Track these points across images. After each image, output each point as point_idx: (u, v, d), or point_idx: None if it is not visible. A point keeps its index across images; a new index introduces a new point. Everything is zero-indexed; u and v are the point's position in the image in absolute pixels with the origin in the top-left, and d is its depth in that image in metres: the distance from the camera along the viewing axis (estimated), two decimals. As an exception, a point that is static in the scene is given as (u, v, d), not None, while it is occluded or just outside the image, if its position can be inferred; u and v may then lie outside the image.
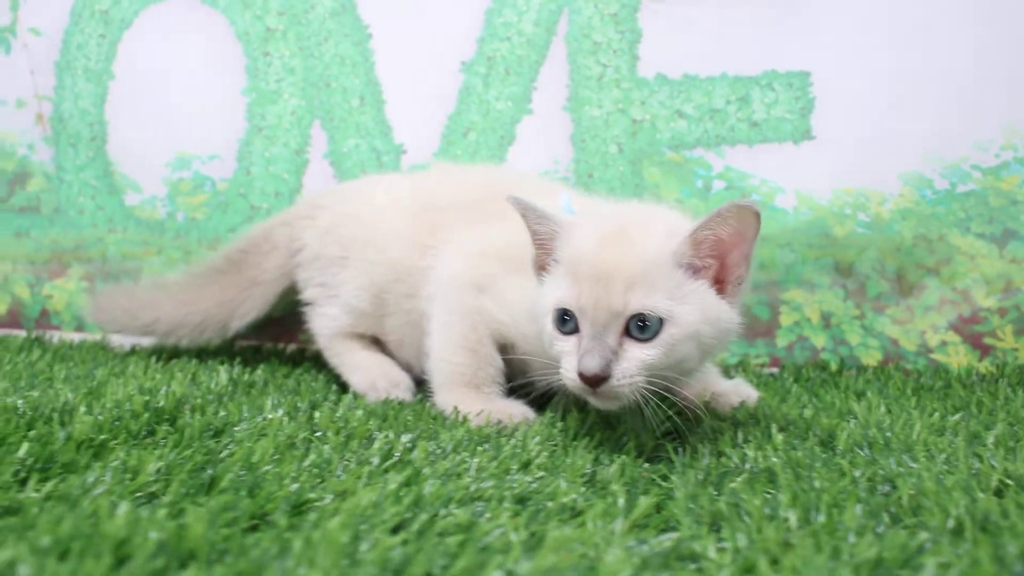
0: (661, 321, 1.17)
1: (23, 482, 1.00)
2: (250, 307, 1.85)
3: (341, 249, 1.71)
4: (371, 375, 1.64)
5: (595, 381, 1.16)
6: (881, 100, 1.89)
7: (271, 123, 2.15)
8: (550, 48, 2.02)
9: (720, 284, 1.24)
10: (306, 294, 1.80)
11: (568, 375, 1.20)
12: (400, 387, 1.62)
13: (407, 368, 1.68)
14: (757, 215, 1.20)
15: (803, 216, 1.92)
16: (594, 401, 1.22)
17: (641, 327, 1.18)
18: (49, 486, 0.98)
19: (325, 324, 1.75)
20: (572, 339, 1.21)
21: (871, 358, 1.92)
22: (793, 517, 0.91)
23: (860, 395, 1.64)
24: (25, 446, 1.07)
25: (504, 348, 1.49)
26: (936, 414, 1.45)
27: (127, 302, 1.96)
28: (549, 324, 1.24)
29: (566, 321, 1.22)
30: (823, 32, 1.90)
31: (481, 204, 1.58)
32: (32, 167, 2.30)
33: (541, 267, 1.31)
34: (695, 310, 1.19)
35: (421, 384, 1.61)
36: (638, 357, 1.17)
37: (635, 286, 1.17)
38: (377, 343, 1.74)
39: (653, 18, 1.97)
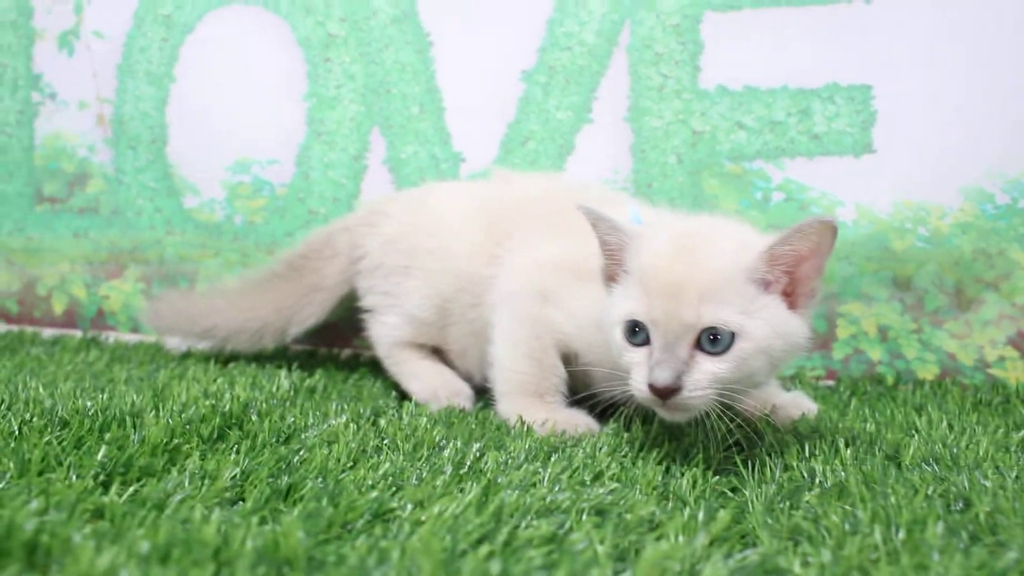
0: (733, 335, 1.17)
1: (105, 485, 1.02)
2: (309, 313, 1.86)
3: (404, 258, 1.72)
4: (432, 384, 1.65)
5: (666, 393, 1.16)
6: (943, 115, 1.88)
7: (330, 128, 2.17)
8: (611, 58, 2.02)
9: (791, 297, 1.23)
10: (366, 301, 1.80)
11: (638, 386, 1.19)
12: (461, 396, 1.62)
13: (467, 377, 1.69)
14: (835, 230, 1.20)
15: (862, 229, 1.91)
16: (663, 413, 1.21)
17: (712, 340, 1.17)
18: (131, 490, 1.00)
19: (386, 333, 1.75)
20: (642, 351, 1.21)
21: (927, 372, 1.91)
22: (876, 534, 0.91)
23: (920, 409, 1.63)
24: (103, 448, 1.09)
25: (568, 359, 1.49)
26: (1000, 430, 1.44)
27: (186, 307, 1.97)
28: (619, 335, 1.24)
29: (636, 332, 1.22)
30: (885, 46, 1.89)
31: (546, 213, 1.58)
32: (92, 168, 2.34)
33: (611, 277, 1.31)
34: (766, 324, 1.19)
35: (482, 393, 1.62)
36: (709, 370, 1.17)
37: (707, 300, 1.17)
38: (436, 352, 1.75)
39: (715, 30, 1.97)
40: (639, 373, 1.20)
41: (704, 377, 1.17)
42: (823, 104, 1.92)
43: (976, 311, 1.89)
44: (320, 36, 2.16)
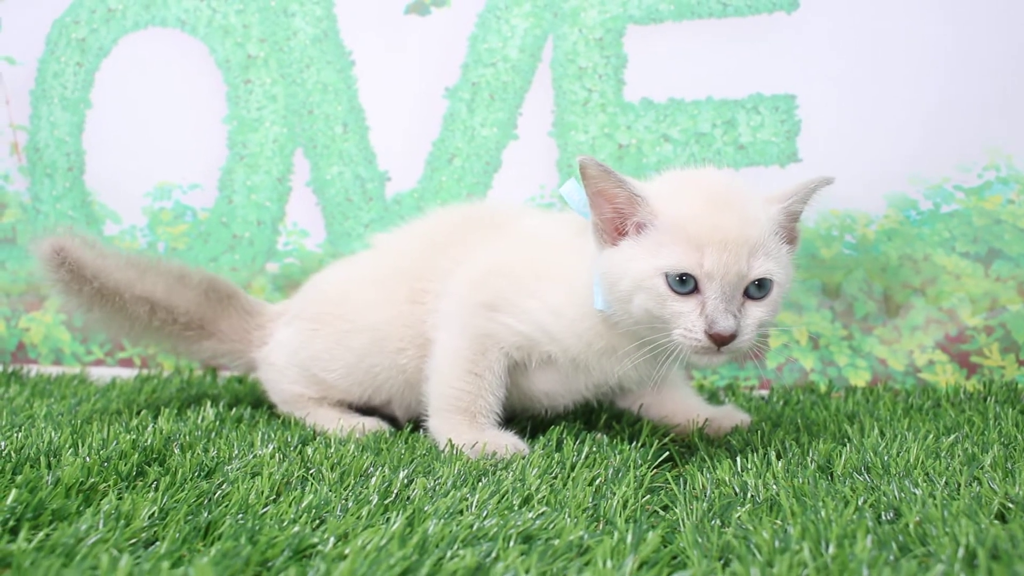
0: (772, 282, 1.26)
1: (14, 531, 0.97)
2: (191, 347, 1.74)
3: (311, 323, 1.64)
4: (346, 424, 1.58)
5: (728, 339, 1.21)
6: (866, 122, 1.89)
7: (253, 151, 2.13)
8: (535, 74, 2.02)
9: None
10: (264, 350, 1.71)
11: (691, 335, 1.22)
12: (372, 421, 1.58)
13: (389, 416, 1.65)
14: None
15: (790, 238, 1.92)
16: (704, 360, 1.26)
17: (758, 287, 1.25)
18: (41, 535, 0.95)
19: (284, 388, 1.68)
20: (691, 301, 1.23)
21: (859, 379, 1.92)
22: (806, 550, 0.90)
23: (852, 417, 1.63)
24: (13, 492, 1.04)
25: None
26: (930, 436, 1.45)
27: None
28: (662, 285, 1.24)
29: (684, 282, 1.23)
30: (808, 56, 1.91)
31: (457, 236, 1.55)
32: (7, 198, 2.27)
33: (617, 231, 1.30)
34: (787, 270, 1.29)
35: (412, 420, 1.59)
36: (756, 316, 1.25)
37: (758, 252, 1.24)
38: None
39: (638, 43, 1.97)
40: (690, 321, 1.23)
41: (753, 322, 1.25)
42: (748, 115, 1.93)
43: (904, 316, 1.91)
44: (239, 58, 2.13)
